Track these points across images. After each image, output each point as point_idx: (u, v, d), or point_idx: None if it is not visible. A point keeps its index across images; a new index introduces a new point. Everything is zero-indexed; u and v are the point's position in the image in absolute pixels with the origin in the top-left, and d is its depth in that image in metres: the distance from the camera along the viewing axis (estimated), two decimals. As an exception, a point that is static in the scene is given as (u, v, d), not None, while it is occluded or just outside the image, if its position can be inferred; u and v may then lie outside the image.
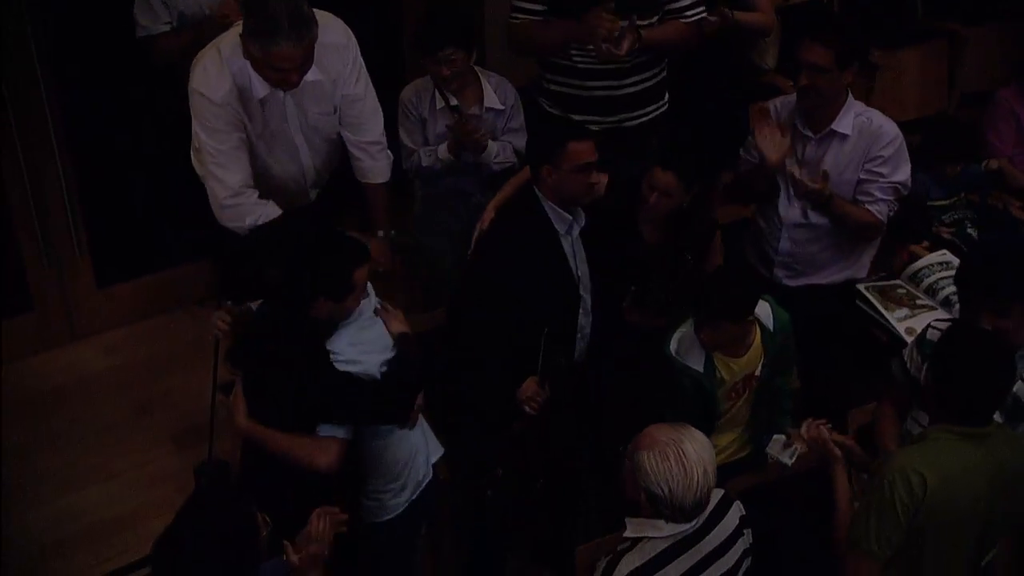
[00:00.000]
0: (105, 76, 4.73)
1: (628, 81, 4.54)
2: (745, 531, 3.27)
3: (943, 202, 5.44)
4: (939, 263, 4.83)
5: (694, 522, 3.10)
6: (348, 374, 3.35)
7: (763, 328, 3.88)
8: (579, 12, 4.32)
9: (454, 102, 4.39)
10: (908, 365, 3.65)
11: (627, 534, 3.12)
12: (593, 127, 4.54)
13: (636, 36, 4.29)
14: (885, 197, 4.24)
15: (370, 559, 3.63)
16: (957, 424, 3.22)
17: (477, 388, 3.98)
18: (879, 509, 3.17)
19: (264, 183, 4.06)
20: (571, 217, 3.93)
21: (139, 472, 4.37)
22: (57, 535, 4.10)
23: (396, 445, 3.60)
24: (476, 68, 4.46)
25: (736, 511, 3.26)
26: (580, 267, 4.01)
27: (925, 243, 5.08)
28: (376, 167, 4.29)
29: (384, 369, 3.44)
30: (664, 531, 3.07)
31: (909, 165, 4.27)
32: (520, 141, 4.47)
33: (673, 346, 3.87)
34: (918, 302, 4.70)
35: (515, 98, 4.52)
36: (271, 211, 3.85)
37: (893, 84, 6.15)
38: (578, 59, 4.48)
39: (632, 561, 3.07)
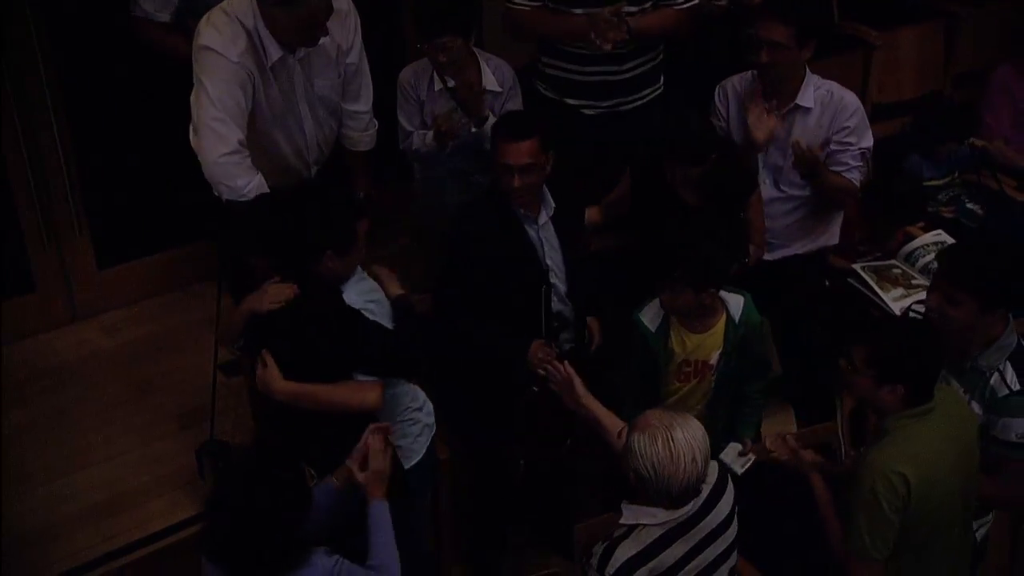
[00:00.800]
0: (106, 57, 4.73)
1: (626, 66, 4.55)
2: (737, 507, 3.31)
3: (937, 182, 5.47)
4: (934, 243, 4.86)
5: (689, 507, 3.12)
6: (377, 323, 3.43)
7: (729, 317, 3.83)
8: (580, 4, 4.34)
9: (451, 84, 4.40)
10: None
11: (623, 521, 3.14)
12: (588, 111, 4.58)
13: (625, 27, 4.29)
14: (857, 164, 4.34)
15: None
16: (911, 407, 3.25)
17: (479, 378, 4.06)
18: (869, 516, 3.20)
19: (267, 158, 4.08)
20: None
21: (140, 452, 4.38)
22: (58, 515, 4.11)
23: (407, 391, 3.74)
24: (475, 50, 4.46)
25: (731, 488, 3.30)
26: (551, 255, 4.02)
27: (920, 223, 5.10)
28: (366, 136, 4.41)
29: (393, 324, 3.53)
30: (659, 518, 3.10)
31: (870, 130, 4.38)
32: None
33: (642, 308, 3.87)
34: (913, 282, 4.72)
35: (513, 80, 4.52)
36: (261, 183, 3.87)
37: (889, 64, 6.16)
38: (577, 44, 4.48)
39: (628, 549, 3.09)
